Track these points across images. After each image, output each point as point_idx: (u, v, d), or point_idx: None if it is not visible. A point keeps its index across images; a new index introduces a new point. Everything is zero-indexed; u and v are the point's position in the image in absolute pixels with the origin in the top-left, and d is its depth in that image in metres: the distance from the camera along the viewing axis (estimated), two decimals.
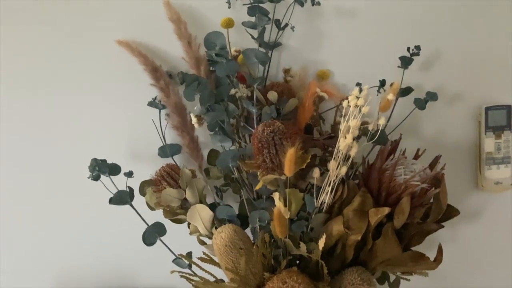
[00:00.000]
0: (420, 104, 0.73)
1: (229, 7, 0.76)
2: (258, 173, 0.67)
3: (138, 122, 0.83)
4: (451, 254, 0.73)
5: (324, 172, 0.70)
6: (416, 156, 0.68)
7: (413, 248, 0.66)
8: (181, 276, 0.70)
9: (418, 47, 0.73)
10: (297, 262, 0.71)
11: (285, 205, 0.65)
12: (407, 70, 0.75)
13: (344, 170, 0.63)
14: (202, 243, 0.74)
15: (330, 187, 0.65)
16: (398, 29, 0.80)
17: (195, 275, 0.70)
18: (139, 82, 0.79)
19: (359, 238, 0.61)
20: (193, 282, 0.68)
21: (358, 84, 0.75)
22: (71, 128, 0.83)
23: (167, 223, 0.75)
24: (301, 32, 0.79)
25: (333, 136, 0.74)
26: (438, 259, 0.63)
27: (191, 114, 0.74)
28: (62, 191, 0.85)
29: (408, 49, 0.74)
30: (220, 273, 0.71)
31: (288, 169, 0.61)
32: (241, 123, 0.73)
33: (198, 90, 0.65)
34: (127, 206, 0.79)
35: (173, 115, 0.76)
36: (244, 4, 0.74)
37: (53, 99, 0.82)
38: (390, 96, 0.62)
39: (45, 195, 0.85)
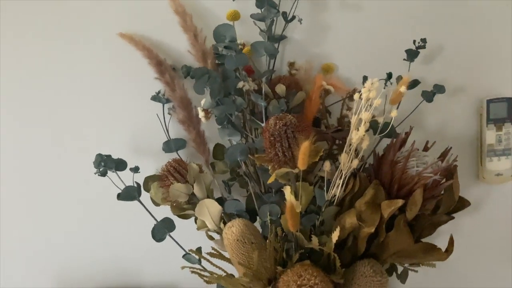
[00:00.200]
0: (428, 96, 0.74)
1: (233, 0, 0.76)
2: (269, 167, 0.67)
3: (140, 118, 0.81)
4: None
5: (332, 165, 0.70)
6: (425, 148, 0.68)
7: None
8: (192, 272, 0.69)
9: (424, 40, 0.73)
10: (307, 256, 0.71)
11: (296, 199, 0.65)
12: (407, 65, 0.75)
13: (356, 163, 0.63)
14: (211, 238, 0.74)
15: (341, 180, 0.65)
16: (401, 23, 0.80)
17: (205, 270, 0.70)
18: (141, 76, 0.79)
19: (373, 230, 0.62)
20: (205, 278, 0.67)
21: (365, 77, 0.76)
22: (71, 124, 0.82)
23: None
24: (305, 25, 0.79)
25: (341, 129, 0.74)
26: (450, 250, 0.63)
27: (199, 108, 0.73)
28: (63, 188, 0.84)
29: (414, 42, 0.75)
30: (228, 268, 0.71)
31: (302, 162, 0.60)
32: (249, 117, 0.73)
33: (208, 84, 0.64)
34: (129, 204, 0.78)
35: (179, 110, 0.75)
36: None
37: (54, 94, 0.80)
38: (403, 89, 0.62)
39: (46, 193, 0.84)
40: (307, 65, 0.79)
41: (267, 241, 0.65)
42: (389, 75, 0.74)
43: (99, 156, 0.71)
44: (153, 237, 0.69)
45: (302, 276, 0.60)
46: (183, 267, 0.70)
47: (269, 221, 0.68)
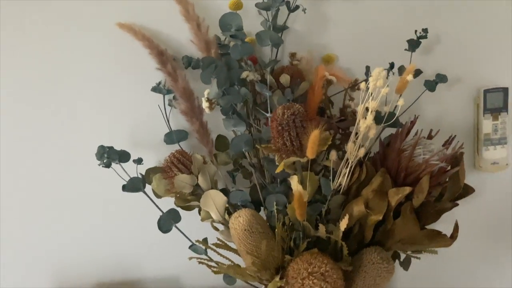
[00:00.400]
0: (431, 86, 0.75)
1: None
2: (276, 157, 0.67)
3: (140, 110, 0.81)
4: (449, 233, 0.76)
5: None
6: (429, 137, 0.69)
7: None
8: (200, 262, 0.69)
9: (425, 30, 0.74)
10: (314, 245, 0.71)
11: (303, 188, 0.65)
12: (407, 55, 0.76)
13: (362, 151, 0.64)
14: (216, 229, 0.73)
15: (348, 169, 0.65)
16: (400, 14, 0.81)
17: (212, 260, 0.70)
18: (140, 67, 0.78)
19: (381, 217, 0.62)
20: (213, 268, 0.67)
21: (368, 67, 0.76)
22: (68, 117, 0.80)
23: None
24: (305, 16, 0.79)
25: (344, 119, 0.75)
26: (455, 235, 0.65)
27: (203, 99, 0.73)
28: (62, 183, 0.82)
29: (416, 32, 0.75)
30: (234, 258, 0.71)
31: (311, 151, 0.61)
32: (253, 107, 0.73)
33: (215, 73, 0.64)
34: (129, 199, 0.78)
35: (182, 100, 0.75)
36: None
37: (53, 86, 0.78)
38: (409, 77, 0.63)
39: (45, 187, 0.82)
40: (309, 55, 0.79)
41: (275, 230, 0.65)
42: (392, 65, 0.74)
43: (102, 147, 0.70)
44: (160, 228, 0.69)
45: (313, 264, 0.61)
46: (190, 258, 0.70)
47: (275, 210, 0.68)
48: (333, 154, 0.66)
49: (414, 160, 0.63)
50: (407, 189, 0.61)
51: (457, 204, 0.66)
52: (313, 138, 0.59)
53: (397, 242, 0.67)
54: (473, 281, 0.95)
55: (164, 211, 0.72)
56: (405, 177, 0.64)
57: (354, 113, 0.76)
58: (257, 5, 0.70)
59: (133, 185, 0.68)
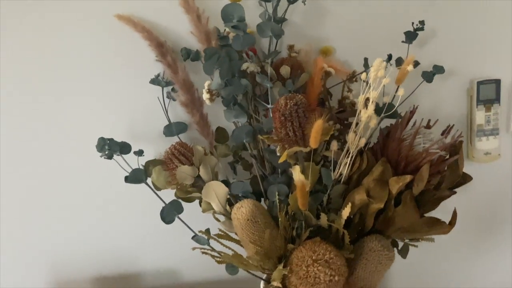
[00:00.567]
0: (429, 77, 0.76)
1: None
2: (278, 147, 0.67)
3: (138, 102, 0.80)
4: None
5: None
6: (428, 127, 0.71)
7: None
8: (203, 252, 0.69)
9: (422, 22, 0.76)
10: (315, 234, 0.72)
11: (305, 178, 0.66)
12: (402, 47, 0.77)
13: (363, 141, 0.65)
14: (218, 220, 0.74)
15: (349, 159, 0.66)
16: (396, 7, 0.82)
17: (214, 250, 0.70)
18: (138, 59, 0.77)
19: (382, 206, 0.64)
20: (216, 258, 0.68)
21: (366, 59, 0.77)
22: (66, 110, 0.80)
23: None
24: (302, 8, 0.79)
25: (343, 110, 0.76)
26: (453, 222, 0.66)
27: (204, 90, 0.73)
28: (59, 176, 0.82)
29: (413, 24, 0.77)
30: (235, 249, 0.72)
31: (314, 141, 0.61)
32: (253, 98, 0.73)
33: (217, 64, 0.64)
34: (125, 192, 0.78)
35: (182, 92, 0.75)
36: None
37: (51, 79, 0.78)
38: (410, 67, 0.64)
39: (43, 181, 0.82)
40: (307, 47, 0.79)
41: (279, 219, 0.66)
42: (389, 57, 0.76)
43: (102, 139, 0.70)
44: (163, 219, 0.69)
45: (317, 251, 0.62)
46: (194, 248, 0.70)
47: (277, 200, 0.69)
48: (334, 144, 0.67)
49: (414, 149, 0.64)
50: (408, 177, 0.62)
51: (455, 192, 0.68)
52: (317, 128, 0.60)
53: (397, 230, 0.68)
54: (461, 271, 0.97)
55: (163, 203, 0.73)
56: (405, 166, 0.65)
57: (353, 104, 0.77)
58: None
59: (136, 177, 0.68)
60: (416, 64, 0.76)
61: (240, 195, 0.73)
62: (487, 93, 0.85)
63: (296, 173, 0.65)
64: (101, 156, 0.69)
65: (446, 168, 0.66)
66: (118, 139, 0.73)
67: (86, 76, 0.78)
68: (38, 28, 0.75)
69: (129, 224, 0.86)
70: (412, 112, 0.69)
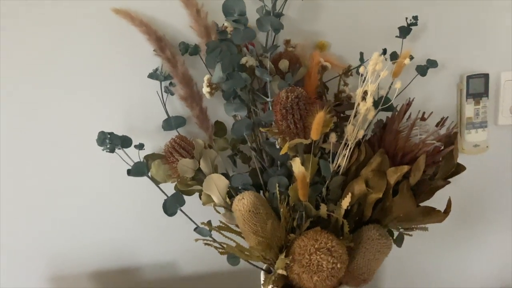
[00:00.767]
0: (422, 70, 0.78)
1: None
2: (278, 140, 0.69)
3: (135, 97, 0.81)
4: None
5: None
6: (422, 119, 0.73)
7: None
8: (205, 244, 0.70)
9: (415, 18, 0.78)
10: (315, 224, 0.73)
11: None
12: (395, 42, 0.79)
13: (361, 133, 0.67)
14: (218, 212, 0.75)
15: (347, 151, 0.68)
16: (389, 2, 0.84)
17: (216, 241, 0.71)
18: (136, 54, 0.78)
19: (381, 195, 0.65)
20: (219, 250, 0.69)
21: (361, 53, 0.79)
22: (64, 104, 0.79)
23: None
24: (298, 3, 0.81)
25: (340, 103, 0.77)
26: (448, 211, 0.68)
27: (204, 84, 0.74)
28: (56, 170, 0.82)
29: (406, 19, 0.79)
30: (236, 240, 0.73)
31: (316, 132, 0.63)
32: (252, 91, 0.74)
33: (219, 57, 0.65)
34: (123, 186, 0.79)
35: (181, 86, 0.75)
36: None
37: (48, 73, 0.77)
38: (407, 61, 0.66)
39: (41, 176, 0.81)
40: (304, 42, 0.81)
41: (280, 210, 0.67)
42: (384, 51, 0.77)
43: (102, 133, 0.70)
44: (165, 211, 0.70)
45: (319, 240, 0.63)
46: (196, 240, 0.71)
47: (277, 192, 0.70)
48: (333, 137, 0.69)
49: (410, 140, 0.67)
50: (406, 168, 0.64)
51: (449, 182, 0.70)
52: (318, 120, 0.61)
53: (393, 219, 0.70)
54: (448, 259, 1.00)
55: (162, 197, 0.73)
56: (402, 157, 0.67)
57: (349, 98, 0.79)
58: None
59: (138, 170, 0.69)
60: (410, 58, 0.78)
61: (240, 187, 0.74)
62: (476, 87, 0.88)
63: (297, 165, 0.67)
64: (103, 150, 0.69)
65: (441, 159, 0.68)
66: (117, 133, 0.73)
67: (84, 71, 0.78)
68: (36, 24, 0.75)
69: (128, 218, 0.86)
70: (408, 105, 0.71)
